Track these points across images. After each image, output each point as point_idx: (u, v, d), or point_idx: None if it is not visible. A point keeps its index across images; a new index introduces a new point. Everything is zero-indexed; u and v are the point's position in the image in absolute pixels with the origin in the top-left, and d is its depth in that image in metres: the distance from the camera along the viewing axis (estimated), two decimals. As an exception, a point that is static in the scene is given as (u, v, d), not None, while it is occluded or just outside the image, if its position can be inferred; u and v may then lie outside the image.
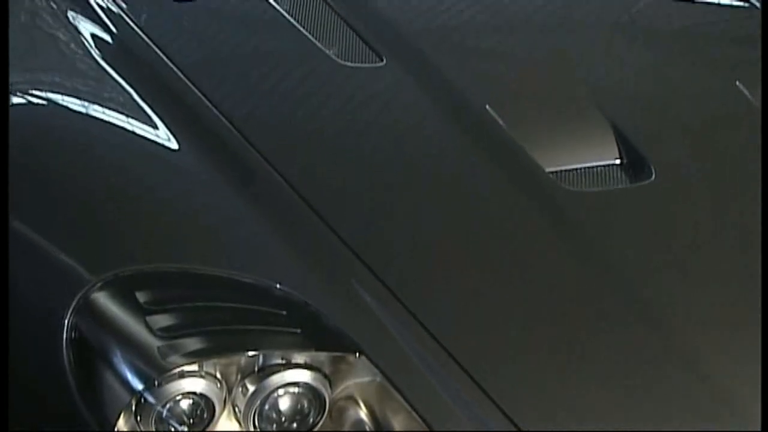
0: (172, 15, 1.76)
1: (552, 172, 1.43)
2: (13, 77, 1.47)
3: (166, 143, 1.43)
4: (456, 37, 1.77)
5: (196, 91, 1.50)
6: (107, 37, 1.63)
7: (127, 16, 1.65)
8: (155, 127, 1.45)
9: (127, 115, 1.48)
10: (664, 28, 1.86)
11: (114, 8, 1.67)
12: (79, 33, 1.64)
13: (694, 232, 1.39)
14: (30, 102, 1.51)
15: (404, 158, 1.48)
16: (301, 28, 1.64)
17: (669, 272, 1.31)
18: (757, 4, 1.85)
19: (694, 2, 1.98)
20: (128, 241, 1.30)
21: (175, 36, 1.69)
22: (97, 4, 1.68)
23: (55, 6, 1.72)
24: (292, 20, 1.66)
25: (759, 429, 1.17)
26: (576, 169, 1.45)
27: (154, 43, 1.59)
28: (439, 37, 1.74)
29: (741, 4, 1.91)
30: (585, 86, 1.64)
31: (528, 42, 1.79)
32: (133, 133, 1.46)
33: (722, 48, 1.82)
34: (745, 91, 1.58)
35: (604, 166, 1.47)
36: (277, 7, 1.69)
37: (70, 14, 1.68)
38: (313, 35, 1.63)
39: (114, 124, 1.48)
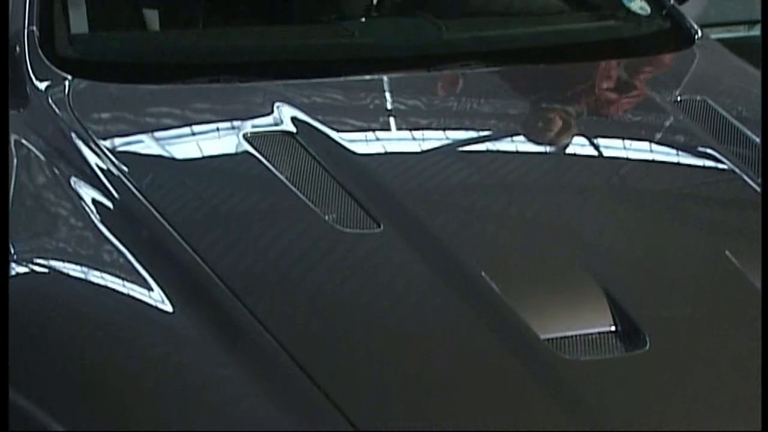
0: (172, 176, 1.80)
1: (547, 340, 1.44)
2: (17, 246, 1.50)
3: (160, 305, 1.45)
4: (451, 199, 1.81)
5: (192, 252, 1.52)
6: (107, 202, 1.66)
7: (127, 178, 1.69)
8: (150, 289, 1.47)
9: (124, 279, 1.50)
10: (653, 190, 1.90)
11: (115, 171, 1.71)
12: (81, 198, 1.67)
13: (689, 403, 1.39)
14: (32, 270, 1.53)
15: (400, 324, 1.48)
16: (300, 194, 1.68)
17: None
18: (736, 169, 1.91)
19: (680, 164, 2.04)
20: (125, 412, 1.29)
21: (174, 197, 1.73)
22: (99, 168, 1.72)
23: (57, 172, 1.76)
24: (291, 186, 1.69)
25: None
26: (571, 336, 1.46)
27: (153, 206, 1.62)
28: (435, 201, 1.78)
29: (723, 167, 1.96)
30: (578, 250, 1.66)
31: (521, 203, 1.83)
32: (129, 296, 1.47)
33: (709, 213, 1.86)
34: (735, 261, 1.61)
35: (599, 333, 1.48)
36: (277, 173, 1.73)
37: (73, 180, 1.71)
38: (311, 201, 1.66)
39: (111, 290, 1.50)
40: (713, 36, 4.29)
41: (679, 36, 2.43)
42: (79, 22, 2.22)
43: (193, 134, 1.93)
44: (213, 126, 1.95)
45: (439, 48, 2.28)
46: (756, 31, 5.47)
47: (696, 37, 2.42)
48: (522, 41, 2.37)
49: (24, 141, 1.80)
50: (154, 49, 2.21)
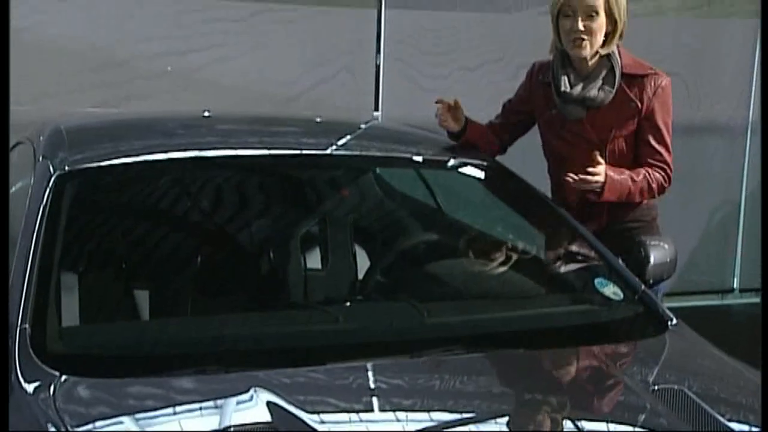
0: None
1: None
2: None
3: None
4: None
5: None
6: None
7: None
8: None
9: None
10: None
11: None
12: None
13: None
14: None
15: None
16: None
17: None
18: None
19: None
20: None
21: None
22: None
23: None
24: None
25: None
26: None
27: None
28: None
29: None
30: None
31: None
32: None
33: None
34: None
35: None
36: None
37: None
38: None
39: None
40: (687, 304, 4.41)
41: (652, 321, 2.49)
42: (71, 310, 2.27)
43: (172, 422, 1.92)
44: (194, 418, 1.94)
45: (420, 333, 2.34)
46: (729, 300, 5.62)
47: (669, 323, 2.48)
48: (501, 326, 2.43)
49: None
50: (142, 342, 2.24)
